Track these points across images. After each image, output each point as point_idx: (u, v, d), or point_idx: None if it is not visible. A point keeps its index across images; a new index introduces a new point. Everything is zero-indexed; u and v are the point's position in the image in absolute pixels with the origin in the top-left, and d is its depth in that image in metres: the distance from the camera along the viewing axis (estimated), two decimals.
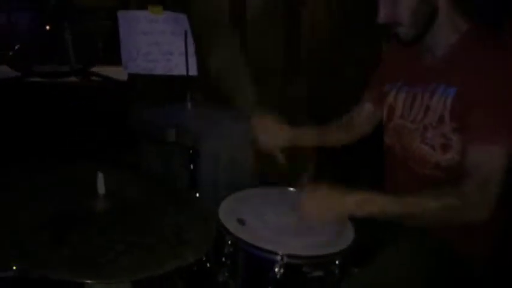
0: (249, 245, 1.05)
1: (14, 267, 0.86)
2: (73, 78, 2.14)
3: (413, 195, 1.06)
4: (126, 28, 1.83)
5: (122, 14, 1.83)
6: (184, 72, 1.70)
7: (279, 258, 1.02)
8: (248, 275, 1.10)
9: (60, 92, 2.14)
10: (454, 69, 1.11)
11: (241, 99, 1.45)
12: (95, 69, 2.13)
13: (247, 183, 1.47)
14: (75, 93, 2.15)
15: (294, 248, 1.04)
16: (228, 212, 1.17)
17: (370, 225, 1.15)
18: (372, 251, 1.13)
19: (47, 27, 2.05)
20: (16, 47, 2.06)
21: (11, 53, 2.07)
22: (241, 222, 1.13)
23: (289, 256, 1.02)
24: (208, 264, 1.12)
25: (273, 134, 1.35)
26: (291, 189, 1.34)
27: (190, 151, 1.44)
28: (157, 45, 1.82)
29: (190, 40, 1.71)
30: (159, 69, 1.87)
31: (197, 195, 1.38)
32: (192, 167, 1.41)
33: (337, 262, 1.05)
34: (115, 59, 1.97)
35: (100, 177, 1.08)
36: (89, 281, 0.86)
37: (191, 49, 1.73)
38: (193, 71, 1.74)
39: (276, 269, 1.02)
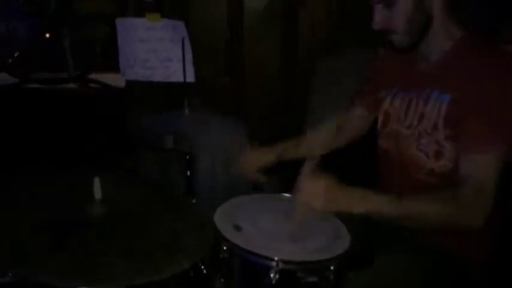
0: (244, 251, 1.05)
1: (10, 273, 0.87)
2: (71, 85, 2.15)
3: (410, 197, 1.06)
4: (124, 35, 1.85)
5: (120, 22, 1.85)
6: (182, 79, 1.71)
7: (274, 264, 1.02)
8: (244, 281, 1.10)
9: (59, 98, 2.16)
10: (449, 76, 1.12)
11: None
12: (93, 76, 2.14)
13: (244, 190, 1.48)
14: (73, 99, 2.16)
15: (289, 254, 1.04)
16: (224, 218, 1.17)
17: (366, 229, 1.16)
18: (367, 255, 1.14)
19: (47, 35, 2.06)
20: (15, 54, 2.08)
21: (10, 60, 2.08)
22: (237, 228, 1.13)
23: (284, 262, 1.02)
24: (204, 270, 1.12)
25: (247, 161, 1.38)
26: (287, 195, 1.34)
27: (188, 157, 1.45)
28: (155, 52, 1.83)
29: (188, 47, 1.73)
30: (157, 76, 1.88)
31: (194, 201, 1.39)
32: (189, 173, 1.42)
33: (332, 268, 1.05)
34: (113, 66, 1.99)
35: (96, 182, 1.09)
36: None
37: (189, 56, 1.74)
38: (190, 78, 1.76)
39: (272, 275, 1.03)
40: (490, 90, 1.05)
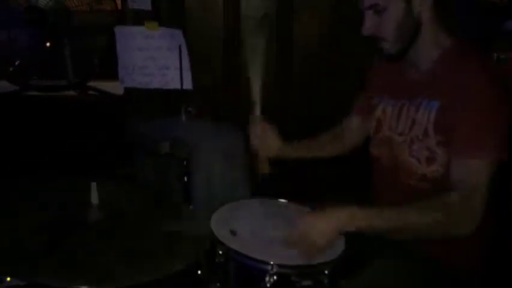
0: (239, 255, 1.07)
1: (8, 279, 0.89)
2: (71, 92, 2.17)
3: (399, 209, 1.06)
4: (123, 43, 1.88)
5: (118, 30, 1.88)
6: (179, 86, 1.73)
7: (269, 267, 1.03)
8: (239, 285, 1.11)
9: (58, 105, 2.18)
10: (437, 83, 1.13)
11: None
12: (92, 83, 2.17)
13: (240, 195, 1.50)
14: (73, 106, 2.18)
15: (283, 258, 1.05)
16: (220, 223, 1.18)
17: (359, 237, 1.17)
18: (359, 263, 1.14)
19: (47, 44, 2.09)
20: (16, 63, 2.10)
21: (11, 69, 2.10)
22: (232, 233, 1.15)
23: (279, 266, 1.03)
24: (200, 275, 1.13)
25: (266, 143, 1.38)
26: (283, 201, 1.36)
27: (185, 163, 1.46)
28: (153, 60, 1.86)
29: (185, 54, 1.75)
30: (155, 84, 1.91)
31: (190, 206, 1.40)
32: (185, 179, 1.43)
33: (326, 272, 1.06)
34: (112, 74, 2.02)
35: (93, 187, 1.11)
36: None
37: (186, 63, 1.77)
38: (188, 85, 1.78)
39: (267, 279, 1.04)
40: (478, 97, 1.06)
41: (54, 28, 2.01)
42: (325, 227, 1.05)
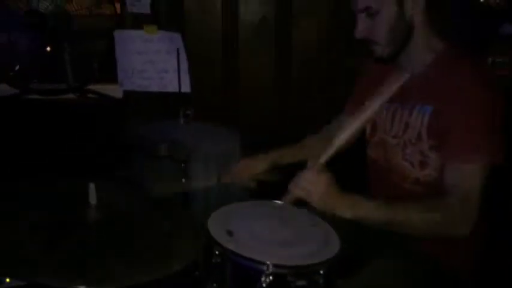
0: (236, 255, 1.08)
1: (8, 280, 0.90)
2: (71, 96, 2.19)
3: (398, 204, 1.07)
4: (122, 47, 1.90)
5: (118, 34, 1.90)
6: (177, 89, 1.75)
7: (265, 268, 1.04)
8: (236, 285, 1.12)
9: (58, 108, 2.19)
10: (430, 87, 1.14)
11: None
12: (92, 86, 2.19)
13: (238, 196, 1.51)
14: (72, 109, 2.20)
15: (279, 258, 1.06)
16: (217, 224, 1.19)
17: (356, 236, 1.18)
18: (356, 263, 1.15)
19: (47, 48, 2.10)
20: (16, 68, 2.11)
21: (11, 73, 2.12)
22: (229, 233, 1.16)
23: (275, 266, 1.04)
24: (196, 275, 1.14)
25: (245, 174, 1.40)
26: (279, 202, 1.37)
27: (183, 165, 1.48)
28: (152, 64, 1.88)
29: (183, 58, 1.77)
30: (154, 87, 1.93)
31: (188, 207, 1.42)
32: (183, 180, 1.45)
33: (321, 272, 1.06)
34: (111, 77, 2.04)
35: (92, 188, 1.12)
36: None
37: (184, 66, 1.79)
38: (186, 88, 1.80)
39: (263, 279, 1.05)
40: (472, 101, 1.06)
41: (54, 32, 2.03)
42: (326, 192, 1.07)
